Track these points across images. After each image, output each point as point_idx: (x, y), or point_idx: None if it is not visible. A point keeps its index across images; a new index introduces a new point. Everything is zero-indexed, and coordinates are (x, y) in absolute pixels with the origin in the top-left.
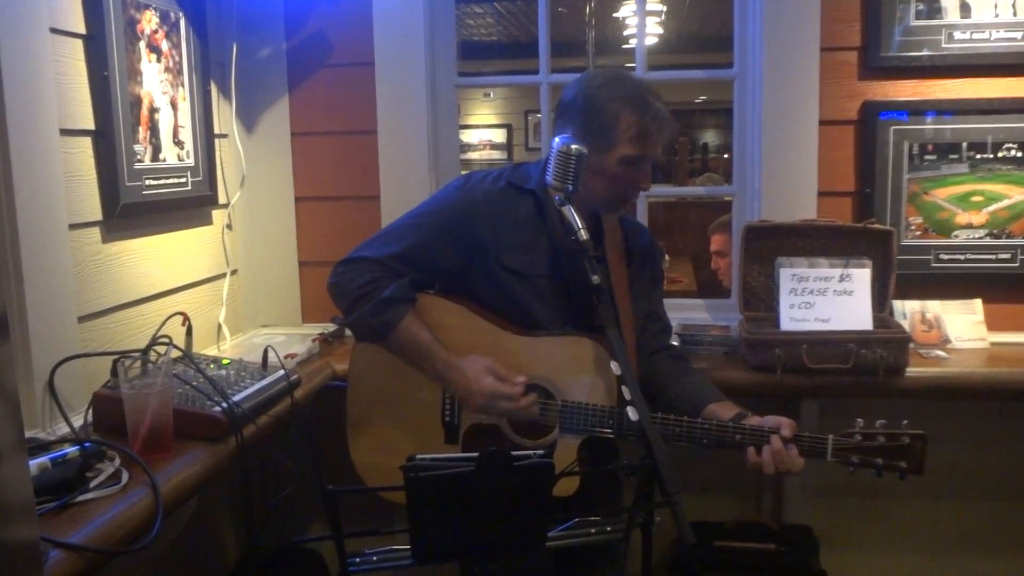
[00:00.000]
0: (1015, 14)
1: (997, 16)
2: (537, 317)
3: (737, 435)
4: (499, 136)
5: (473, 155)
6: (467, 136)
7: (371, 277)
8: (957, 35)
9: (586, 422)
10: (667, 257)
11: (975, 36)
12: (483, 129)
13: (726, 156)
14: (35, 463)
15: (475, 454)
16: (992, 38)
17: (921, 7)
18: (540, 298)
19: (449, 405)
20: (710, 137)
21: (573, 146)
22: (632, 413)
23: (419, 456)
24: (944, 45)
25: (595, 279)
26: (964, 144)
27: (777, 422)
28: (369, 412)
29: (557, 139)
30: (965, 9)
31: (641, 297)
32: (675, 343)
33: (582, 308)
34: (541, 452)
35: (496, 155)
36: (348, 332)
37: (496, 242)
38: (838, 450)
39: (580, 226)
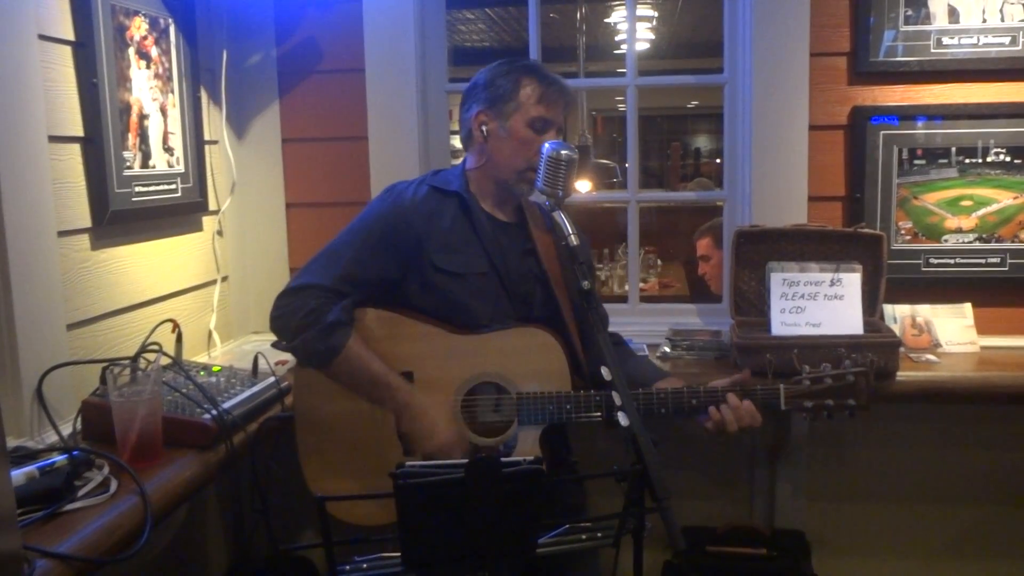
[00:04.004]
0: (1003, 19)
1: (985, 21)
2: (477, 315)
3: (693, 399)
4: None
5: None
6: (458, 141)
7: (315, 304)
8: (945, 40)
9: (543, 410)
10: (659, 262)
11: (963, 41)
12: None
13: (718, 161)
14: (23, 472)
15: (464, 461)
16: (980, 43)
17: (910, 13)
18: (477, 296)
19: None
20: (702, 142)
21: (563, 151)
22: (623, 419)
23: (408, 463)
24: (933, 50)
25: (585, 284)
26: (953, 149)
27: (730, 382)
28: (321, 438)
29: (547, 144)
30: (953, 14)
31: (570, 266)
32: (654, 343)
33: (519, 303)
34: (531, 459)
35: None
36: None
37: (428, 245)
38: (790, 397)
39: (571, 231)
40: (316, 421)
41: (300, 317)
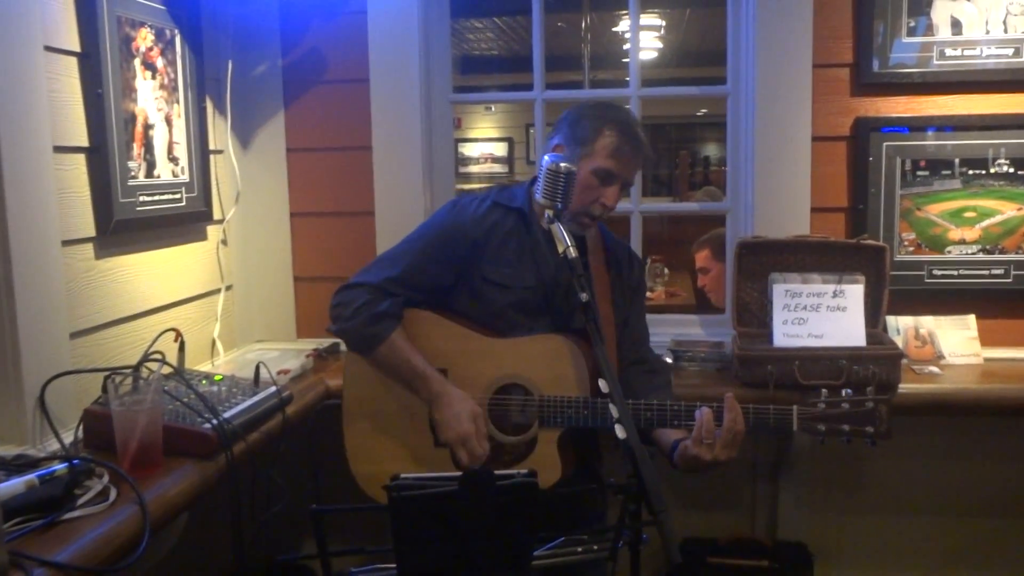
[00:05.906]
0: (1006, 31)
1: (988, 33)
2: (515, 324)
3: (679, 408)
4: (500, 149)
5: (474, 168)
6: (468, 149)
7: (368, 298)
8: (948, 52)
9: (563, 414)
10: (667, 271)
11: (966, 53)
12: (484, 142)
13: (727, 169)
14: (23, 480)
15: (458, 473)
16: (983, 55)
17: (913, 24)
18: (520, 307)
19: None
20: (711, 150)
21: (562, 164)
22: (620, 431)
23: (403, 475)
24: (936, 62)
25: (584, 297)
26: (956, 160)
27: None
28: (363, 421)
29: (547, 157)
30: (956, 26)
31: (621, 303)
32: (658, 353)
33: (561, 318)
34: (524, 472)
35: (497, 168)
36: (342, 347)
37: (483, 257)
38: (804, 419)
39: (569, 243)
40: (361, 406)
41: (353, 308)
